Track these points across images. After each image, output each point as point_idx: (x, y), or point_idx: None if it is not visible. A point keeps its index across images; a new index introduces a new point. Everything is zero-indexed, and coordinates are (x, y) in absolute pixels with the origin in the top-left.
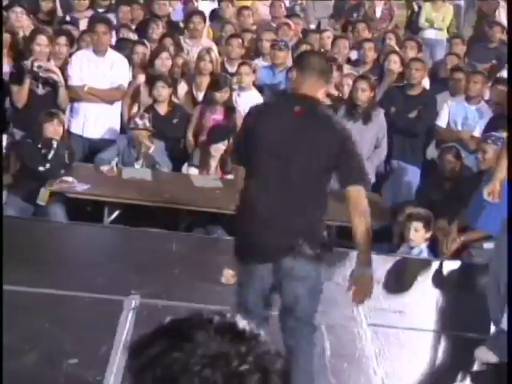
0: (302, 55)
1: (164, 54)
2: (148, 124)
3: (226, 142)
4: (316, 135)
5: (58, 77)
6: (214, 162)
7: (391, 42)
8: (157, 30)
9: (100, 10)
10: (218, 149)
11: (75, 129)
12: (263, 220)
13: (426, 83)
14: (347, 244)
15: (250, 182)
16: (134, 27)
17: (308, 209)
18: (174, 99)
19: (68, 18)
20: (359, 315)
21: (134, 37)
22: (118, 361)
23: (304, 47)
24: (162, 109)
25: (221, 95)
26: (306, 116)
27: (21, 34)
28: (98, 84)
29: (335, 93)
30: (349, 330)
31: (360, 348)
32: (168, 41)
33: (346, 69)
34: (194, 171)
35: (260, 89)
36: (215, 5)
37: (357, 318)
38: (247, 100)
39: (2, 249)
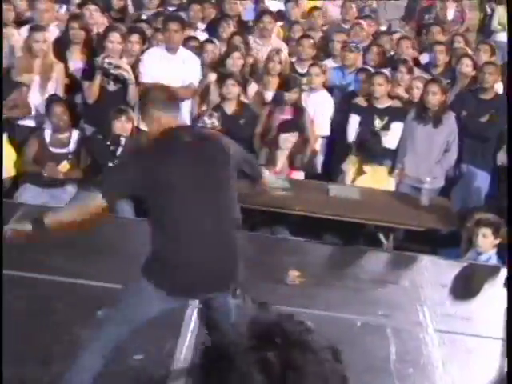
0: (145, 91)
1: (236, 54)
2: (216, 123)
3: (295, 133)
4: (214, 158)
5: (127, 74)
6: (281, 158)
7: (460, 44)
8: (227, 29)
9: (171, 9)
10: (287, 139)
11: (144, 126)
12: (197, 269)
13: (498, 87)
14: (414, 248)
15: (169, 230)
16: (204, 26)
17: (234, 240)
18: (243, 99)
19: (144, 17)
20: (425, 320)
21: (204, 35)
22: (182, 358)
23: (375, 49)
24: (230, 108)
25: (290, 96)
26: (196, 146)
27: (94, 31)
28: (168, 81)
29: (405, 95)
30: (414, 335)
31: (426, 354)
32: (237, 40)
33: (417, 72)
34: None
35: (330, 90)
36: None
37: (423, 324)
38: (317, 101)
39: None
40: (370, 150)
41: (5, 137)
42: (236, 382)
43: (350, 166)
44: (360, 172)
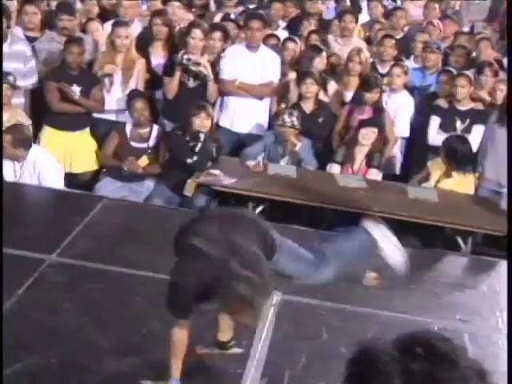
0: None
1: (323, 54)
2: (296, 122)
3: (375, 129)
4: None
5: (206, 71)
6: (359, 155)
7: None
8: (309, 27)
9: (251, 6)
10: (367, 134)
11: (224, 122)
12: None
13: None
14: (493, 253)
15: None
16: (284, 24)
17: None
18: (323, 97)
19: (233, 16)
20: (504, 327)
21: (284, 34)
22: (257, 356)
23: (458, 50)
24: (308, 107)
25: (371, 96)
26: None
27: (177, 28)
28: (249, 79)
29: (488, 98)
30: (493, 341)
31: (504, 360)
32: (314, 38)
33: (501, 75)
34: (336, 168)
35: (410, 91)
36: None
37: (502, 330)
38: (397, 101)
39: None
40: (460, 156)
41: (87, 130)
42: None
43: (435, 168)
44: (448, 175)
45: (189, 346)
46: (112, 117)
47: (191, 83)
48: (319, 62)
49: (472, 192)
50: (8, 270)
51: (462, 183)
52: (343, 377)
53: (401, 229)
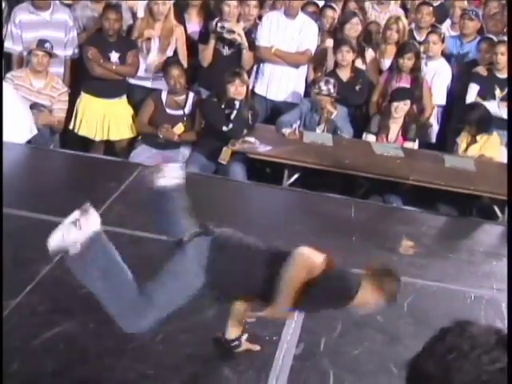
0: None
1: (354, 20)
2: (332, 90)
3: (407, 102)
4: None
5: (240, 39)
6: (394, 126)
7: None
8: None
9: None
10: (399, 108)
11: (259, 90)
12: None
13: None
14: None
15: None
16: None
17: None
18: (360, 65)
19: None
20: None
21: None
22: (294, 323)
23: (494, 17)
24: (345, 74)
25: (406, 62)
26: None
27: None
28: (285, 46)
29: None
30: None
31: None
32: (352, 5)
33: None
34: (371, 138)
35: (447, 58)
36: None
37: None
38: (434, 69)
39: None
40: (478, 119)
41: (124, 98)
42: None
43: (461, 139)
44: (472, 142)
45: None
46: (148, 84)
47: (226, 51)
48: (350, 29)
49: (499, 152)
50: (47, 237)
51: (487, 146)
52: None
53: (437, 198)
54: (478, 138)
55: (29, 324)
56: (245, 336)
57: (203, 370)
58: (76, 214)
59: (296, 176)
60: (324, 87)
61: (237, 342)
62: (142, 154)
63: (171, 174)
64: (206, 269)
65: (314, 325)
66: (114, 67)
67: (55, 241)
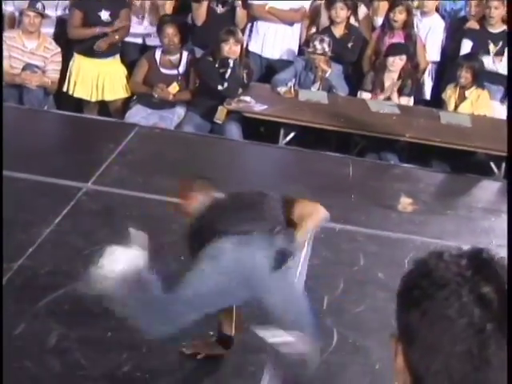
0: None
1: None
2: (327, 48)
3: (403, 56)
4: None
5: None
6: (388, 81)
7: None
8: None
9: None
10: (395, 62)
11: (254, 48)
12: None
13: None
14: None
15: None
16: None
17: None
18: (353, 22)
19: None
20: None
21: None
22: (296, 281)
23: None
24: (338, 31)
25: (397, 15)
26: None
27: None
28: (279, 4)
29: None
30: None
31: None
32: None
33: None
34: (366, 96)
35: (441, 14)
36: None
37: None
38: (428, 25)
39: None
40: (474, 68)
41: (118, 57)
42: (453, 313)
43: (449, 95)
44: (461, 98)
45: None
46: (140, 40)
47: (220, 9)
48: None
49: (490, 109)
50: (46, 199)
51: (478, 104)
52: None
53: (432, 154)
54: (467, 93)
55: (32, 286)
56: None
57: None
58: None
59: (292, 135)
60: (319, 46)
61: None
62: (138, 114)
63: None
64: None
65: (317, 284)
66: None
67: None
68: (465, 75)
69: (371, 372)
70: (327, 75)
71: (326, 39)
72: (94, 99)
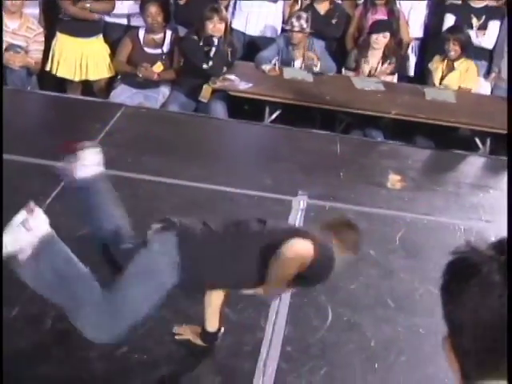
0: None
1: None
2: (305, 25)
3: (387, 34)
4: None
5: None
6: (372, 59)
7: None
8: None
9: None
10: (379, 39)
11: (237, 25)
12: None
13: None
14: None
15: None
16: None
17: None
18: None
19: None
20: None
21: None
22: None
23: None
24: (322, 7)
25: None
26: None
27: None
28: None
29: None
30: None
31: None
32: None
33: None
34: (349, 74)
35: None
36: None
37: None
38: (410, 2)
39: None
40: (461, 39)
41: (100, 37)
42: (480, 288)
43: (436, 66)
44: (449, 69)
45: None
46: (124, 21)
47: None
48: None
49: (477, 83)
50: (35, 180)
51: (466, 76)
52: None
53: (417, 131)
54: (456, 64)
55: None
56: (222, 330)
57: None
58: (22, 214)
59: (277, 113)
60: (296, 23)
61: (217, 335)
62: (122, 94)
63: (90, 161)
64: (179, 266)
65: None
66: (88, 5)
67: (8, 246)
68: (453, 47)
69: (367, 348)
70: (311, 52)
71: (304, 15)
72: (77, 79)
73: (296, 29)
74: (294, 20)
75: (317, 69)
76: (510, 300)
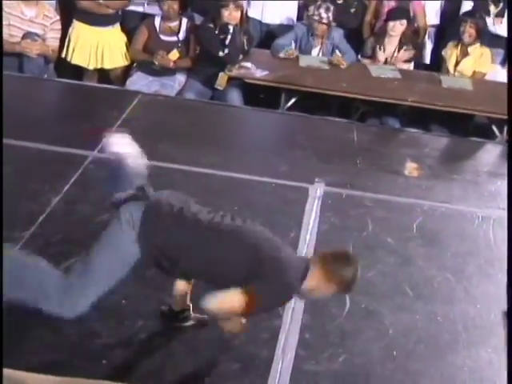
0: None
1: None
2: (324, 15)
3: (404, 21)
4: None
5: None
6: (389, 46)
7: None
8: None
9: None
10: (397, 27)
11: (253, 13)
12: None
13: None
14: None
15: None
16: None
17: None
18: None
19: None
20: None
21: None
22: (306, 248)
23: None
24: None
25: None
26: None
27: None
28: None
29: None
30: None
31: None
32: None
33: None
34: (366, 61)
35: None
36: None
37: None
38: None
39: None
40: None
41: (118, 26)
42: None
43: (450, 53)
44: (463, 54)
45: None
46: (140, 9)
47: None
48: None
49: (491, 68)
50: (53, 168)
51: (481, 61)
52: None
53: (432, 119)
54: (470, 50)
55: (45, 254)
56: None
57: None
58: None
59: (293, 100)
60: (324, 14)
61: (185, 314)
62: (139, 82)
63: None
64: (140, 239)
65: (326, 249)
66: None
67: None
68: (469, 30)
69: (385, 336)
70: (329, 40)
71: (323, 5)
72: (92, 67)
73: (324, 20)
74: (322, 11)
75: (343, 67)
76: (509, 299)
